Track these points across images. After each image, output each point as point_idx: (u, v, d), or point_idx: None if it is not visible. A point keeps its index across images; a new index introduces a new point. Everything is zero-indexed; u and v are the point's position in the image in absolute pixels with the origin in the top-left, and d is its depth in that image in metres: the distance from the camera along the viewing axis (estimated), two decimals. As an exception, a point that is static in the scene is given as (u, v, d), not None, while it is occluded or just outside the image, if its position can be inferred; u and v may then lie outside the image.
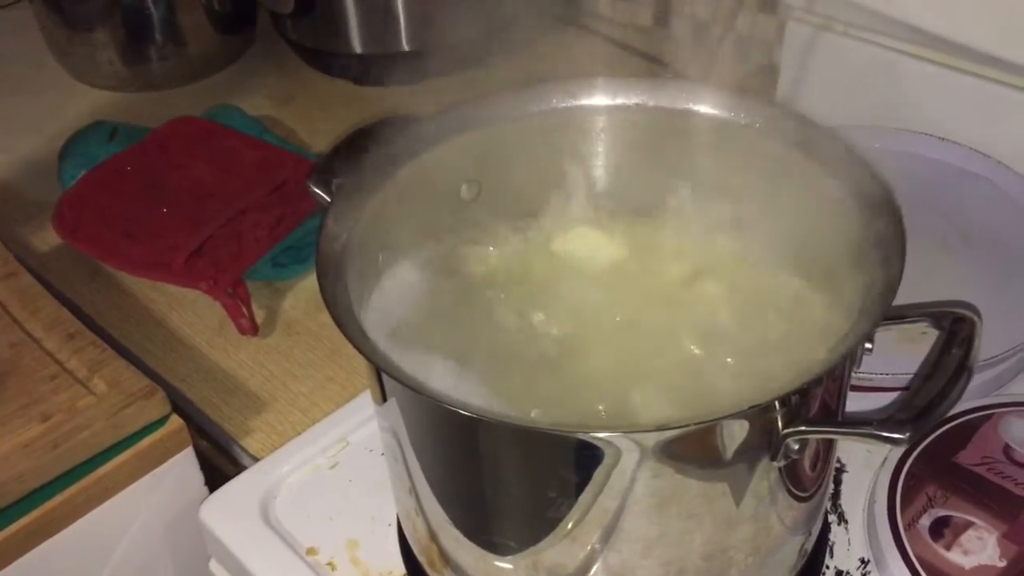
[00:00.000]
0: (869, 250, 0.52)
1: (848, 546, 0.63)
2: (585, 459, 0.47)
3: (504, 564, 0.54)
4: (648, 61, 1.11)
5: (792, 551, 0.58)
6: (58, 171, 0.97)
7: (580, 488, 0.48)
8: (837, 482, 0.66)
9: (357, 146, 0.59)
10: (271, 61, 1.19)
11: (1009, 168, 0.81)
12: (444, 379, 0.54)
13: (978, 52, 0.81)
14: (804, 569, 0.60)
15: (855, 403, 0.64)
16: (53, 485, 0.68)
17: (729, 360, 0.57)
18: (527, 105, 0.62)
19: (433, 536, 0.57)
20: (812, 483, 0.55)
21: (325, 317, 0.51)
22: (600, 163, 0.65)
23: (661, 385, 0.55)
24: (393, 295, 0.59)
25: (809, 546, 0.60)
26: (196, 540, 0.69)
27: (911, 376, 0.66)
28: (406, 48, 1.09)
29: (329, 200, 0.57)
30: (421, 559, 0.61)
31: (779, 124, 0.59)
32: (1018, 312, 0.70)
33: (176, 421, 0.73)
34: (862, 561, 0.62)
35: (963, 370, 0.49)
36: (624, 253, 0.64)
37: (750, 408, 0.45)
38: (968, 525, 0.61)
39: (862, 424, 0.48)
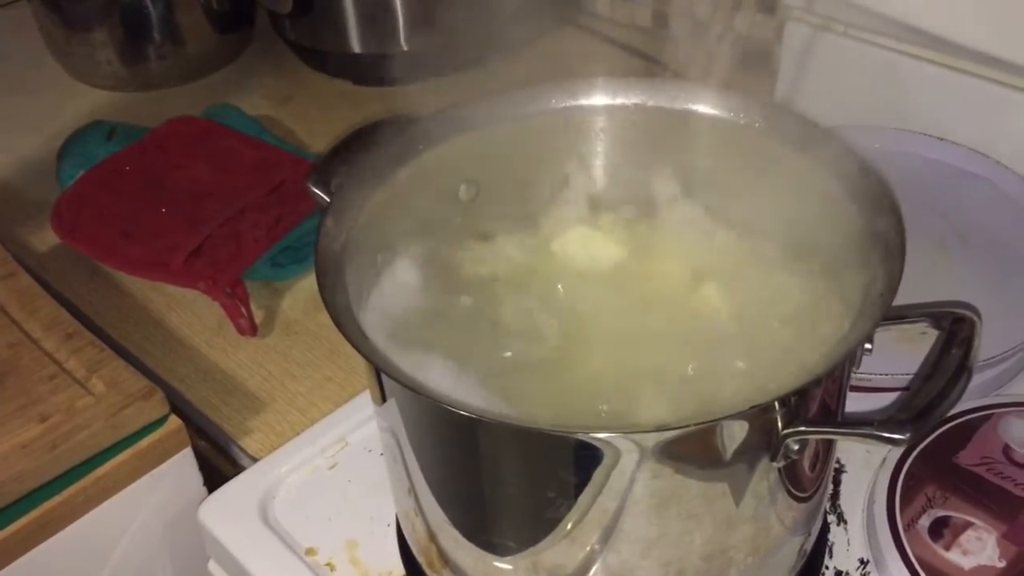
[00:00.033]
0: (869, 250, 0.52)
1: (847, 546, 0.63)
2: (584, 459, 0.47)
3: (503, 564, 0.54)
4: (647, 61, 1.11)
5: (791, 551, 0.58)
6: (56, 171, 0.97)
7: (579, 488, 0.48)
8: (836, 482, 0.66)
9: (356, 146, 0.59)
10: (269, 61, 1.19)
11: (1008, 168, 0.81)
12: (443, 379, 0.54)
13: (977, 52, 0.81)
14: (803, 569, 0.60)
15: (855, 403, 0.64)
16: (52, 485, 0.68)
17: (729, 360, 0.57)
18: (526, 105, 0.62)
19: (432, 536, 0.57)
20: (811, 483, 0.55)
21: (324, 317, 0.51)
22: (600, 163, 0.65)
23: (661, 385, 0.55)
24: (392, 295, 0.59)
25: (808, 546, 0.60)
26: (195, 540, 0.69)
27: (911, 376, 0.66)
28: (405, 48, 1.09)
29: (328, 200, 0.57)
30: (420, 559, 0.61)
31: (779, 124, 0.59)
32: (1017, 312, 0.70)
33: (175, 421, 0.73)
34: (861, 561, 0.62)
35: (963, 370, 0.49)
36: (624, 253, 0.64)
37: (750, 408, 0.45)
38: (967, 525, 0.61)
39: (862, 424, 0.48)
